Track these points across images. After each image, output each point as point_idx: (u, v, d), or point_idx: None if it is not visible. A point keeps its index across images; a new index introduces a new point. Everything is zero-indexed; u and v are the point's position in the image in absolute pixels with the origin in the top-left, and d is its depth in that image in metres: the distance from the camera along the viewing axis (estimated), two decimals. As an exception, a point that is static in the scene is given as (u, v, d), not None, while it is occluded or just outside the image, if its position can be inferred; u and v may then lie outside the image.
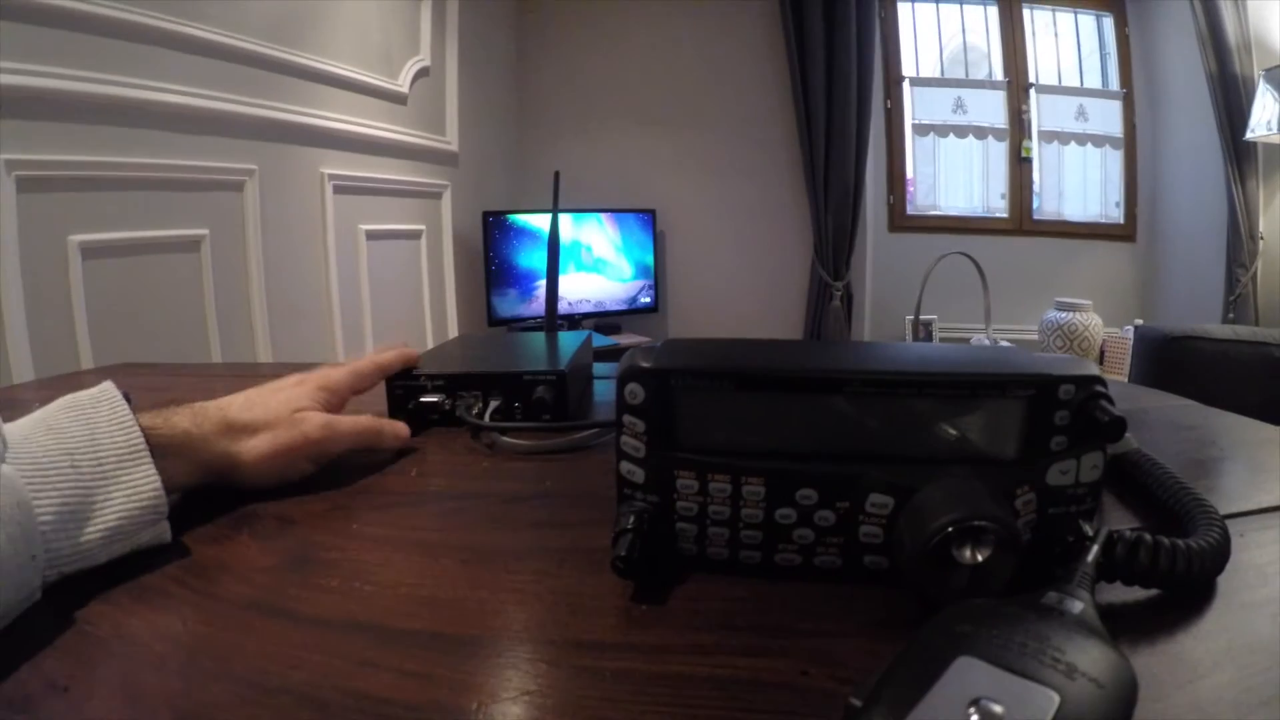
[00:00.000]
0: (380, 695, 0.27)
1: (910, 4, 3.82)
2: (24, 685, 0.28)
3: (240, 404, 0.46)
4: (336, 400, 0.53)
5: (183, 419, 0.42)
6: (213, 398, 0.47)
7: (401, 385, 0.60)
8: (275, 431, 0.45)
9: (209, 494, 0.44)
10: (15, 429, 0.35)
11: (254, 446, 0.45)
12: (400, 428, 0.55)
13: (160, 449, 0.39)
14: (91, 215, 1.46)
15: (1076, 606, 0.25)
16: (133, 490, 0.36)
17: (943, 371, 0.33)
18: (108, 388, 0.40)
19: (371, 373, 0.58)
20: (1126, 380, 2.44)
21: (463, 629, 0.32)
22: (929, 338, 3.73)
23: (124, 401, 0.39)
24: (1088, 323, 3.30)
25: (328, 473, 0.49)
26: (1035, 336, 3.49)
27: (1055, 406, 0.32)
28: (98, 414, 0.38)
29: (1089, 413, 0.32)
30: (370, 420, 0.52)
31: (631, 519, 0.34)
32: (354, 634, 0.31)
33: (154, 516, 0.37)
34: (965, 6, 3.82)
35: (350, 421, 0.50)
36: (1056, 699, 0.20)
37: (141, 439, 0.38)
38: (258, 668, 0.29)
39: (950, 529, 0.29)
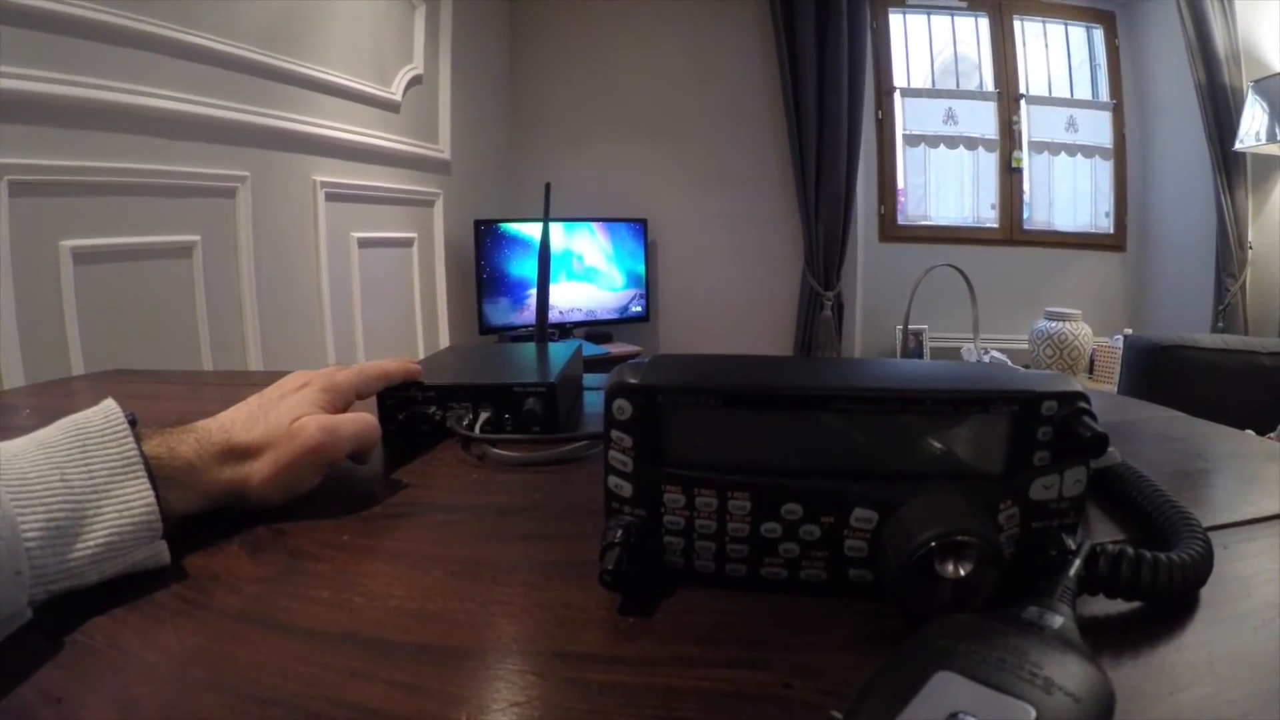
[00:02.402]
0: (370, 706, 0.27)
1: (902, 15, 3.84)
2: (18, 696, 0.28)
3: (243, 422, 0.45)
4: (341, 402, 0.52)
5: (187, 448, 0.41)
6: (202, 405, 0.46)
7: (393, 396, 0.60)
8: (276, 450, 0.44)
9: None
10: (9, 446, 0.35)
11: (257, 470, 0.43)
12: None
13: (165, 480, 0.38)
14: (83, 220, 1.45)
15: (1056, 621, 0.26)
16: (124, 506, 0.35)
17: (926, 388, 0.33)
18: (108, 404, 0.39)
19: (377, 377, 0.57)
20: (1116, 389, 2.46)
21: (452, 641, 0.32)
22: (919, 347, 3.74)
23: (120, 414, 0.38)
24: (1077, 332, 3.32)
25: (319, 484, 0.48)
26: (1025, 346, 3.50)
27: (1038, 422, 0.33)
28: (90, 427, 0.37)
29: (1071, 429, 0.32)
30: (370, 416, 0.51)
31: (619, 533, 0.34)
32: (344, 645, 0.31)
33: (148, 534, 0.36)
34: (956, 18, 3.85)
35: (351, 420, 0.49)
36: (1033, 713, 0.20)
37: (135, 451, 0.37)
38: (249, 678, 0.29)
39: (933, 544, 0.30)
